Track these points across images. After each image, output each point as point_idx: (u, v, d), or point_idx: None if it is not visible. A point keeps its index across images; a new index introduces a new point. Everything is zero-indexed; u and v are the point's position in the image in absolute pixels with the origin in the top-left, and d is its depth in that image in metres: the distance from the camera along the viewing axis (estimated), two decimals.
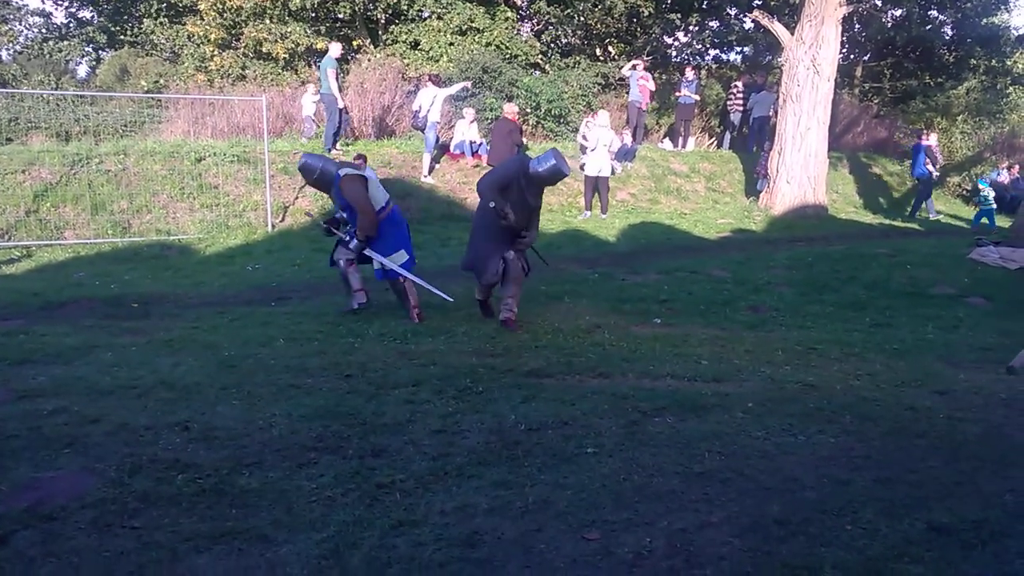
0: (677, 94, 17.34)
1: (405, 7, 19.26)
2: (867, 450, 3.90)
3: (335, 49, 13.77)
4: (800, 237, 12.03)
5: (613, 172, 13.55)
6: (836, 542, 2.98)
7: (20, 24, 23.12)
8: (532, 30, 21.91)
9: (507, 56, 18.54)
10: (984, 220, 14.85)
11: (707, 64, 25.10)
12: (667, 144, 17.53)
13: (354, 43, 20.11)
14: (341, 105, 13.21)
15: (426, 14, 19.79)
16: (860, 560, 2.85)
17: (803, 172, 14.06)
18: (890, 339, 6.59)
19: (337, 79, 13.25)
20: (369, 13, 20.01)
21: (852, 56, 24.42)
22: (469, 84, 15.20)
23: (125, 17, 22.07)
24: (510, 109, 13.76)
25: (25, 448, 3.75)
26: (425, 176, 13.38)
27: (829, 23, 13.56)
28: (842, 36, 15.10)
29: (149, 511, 3.15)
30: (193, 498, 3.26)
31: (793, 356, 5.82)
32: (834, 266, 9.40)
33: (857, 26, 22.95)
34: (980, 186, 15.64)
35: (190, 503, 3.22)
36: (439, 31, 18.95)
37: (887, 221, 15.18)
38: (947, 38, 23.34)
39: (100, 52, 25.48)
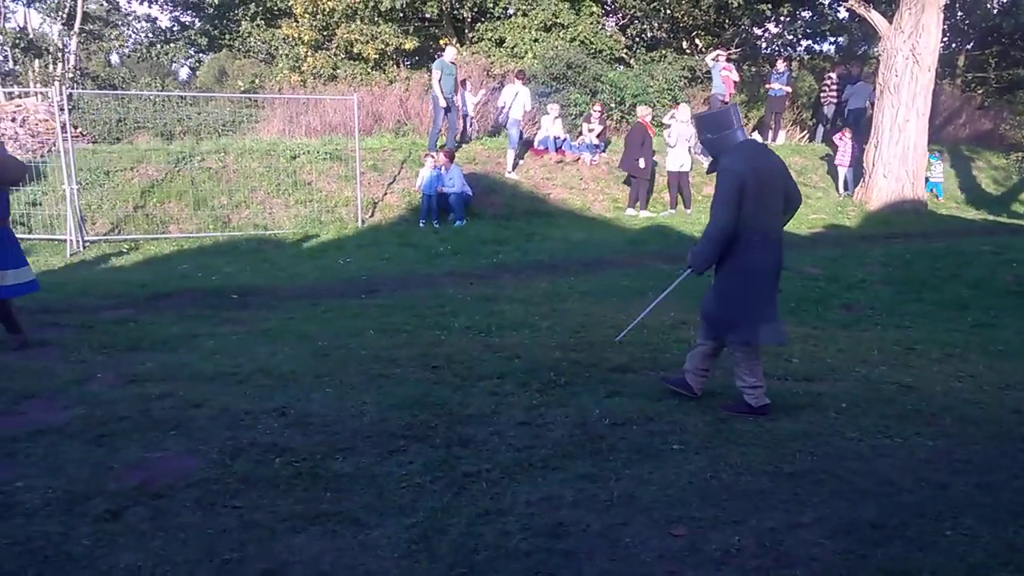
0: (767, 86, 16.90)
1: (491, 5, 19.38)
2: (968, 454, 3.75)
3: (449, 53, 13.47)
4: (897, 233, 11.56)
5: (693, 167, 13.30)
6: (935, 547, 2.88)
7: (128, 29, 24.42)
8: (617, 24, 21.69)
9: (592, 51, 18.42)
10: None
11: (799, 55, 24.33)
12: (756, 137, 17.12)
13: (441, 42, 20.37)
14: (443, 105, 13.05)
15: (511, 11, 19.86)
16: (961, 567, 2.75)
17: (901, 166, 13.50)
18: (994, 340, 6.28)
19: (441, 81, 12.87)
20: (455, 12, 20.22)
21: (954, 45, 23.25)
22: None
23: (224, 21, 23.01)
24: (644, 112, 13.42)
25: (135, 430, 3.99)
26: (509, 172, 13.46)
27: (930, 10, 12.97)
28: (944, 24, 14.41)
29: (249, 492, 3.30)
30: (290, 481, 3.41)
31: (890, 356, 5.62)
32: (934, 263, 9.00)
33: (960, 13, 21.85)
34: None
35: (287, 485, 3.37)
36: (524, 28, 18.99)
37: (991, 217, 14.41)
38: None
39: (200, 55, 26.65)
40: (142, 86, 20.60)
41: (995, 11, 21.85)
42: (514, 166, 13.59)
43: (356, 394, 4.54)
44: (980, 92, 22.47)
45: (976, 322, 6.93)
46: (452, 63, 13.22)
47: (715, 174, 4.22)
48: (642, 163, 12.62)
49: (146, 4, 23.12)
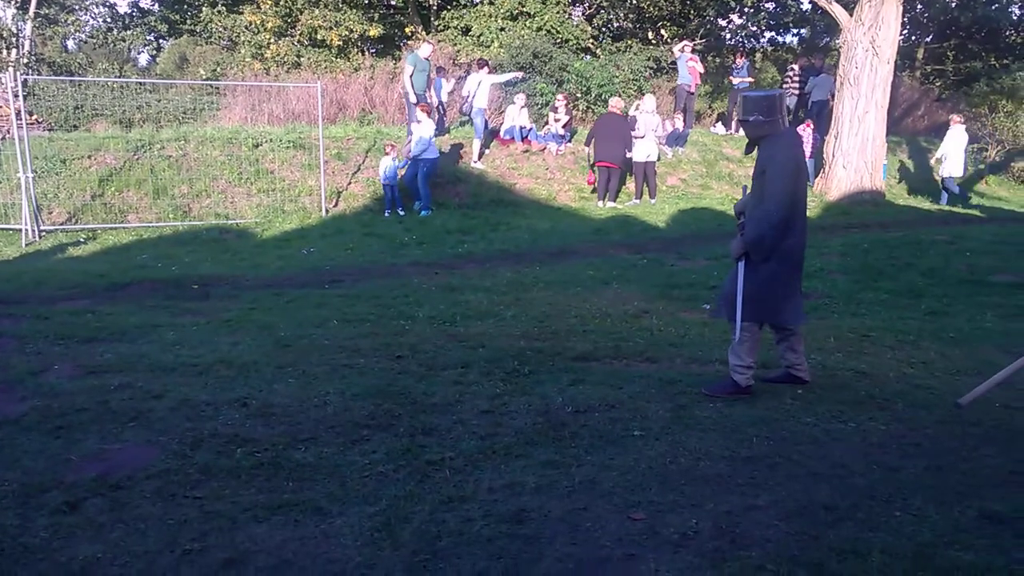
0: (731, 79, 17.06)
1: None
2: (919, 438, 3.86)
3: (424, 49, 13.17)
4: (855, 223, 11.77)
5: (659, 158, 13.40)
6: (884, 528, 2.97)
7: (86, 14, 23.84)
8: (584, 14, 21.74)
9: (558, 41, 18.46)
10: None
11: (762, 47, 24.62)
12: (719, 128, 17.29)
13: (407, 29, 20.26)
14: (413, 100, 12.63)
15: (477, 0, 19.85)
16: (909, 546, 2.83)
17: (860, 157, 13.73)
18: (946, 327, 6.44)
19: (412, 77, 12.56)
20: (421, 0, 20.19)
21: (913, 37, 23.68)
22: (520, 74, 15.07)
23: (184, 7, 22.59)
24: (616, 104, 13.25)
25: (93, 421, 3.95)
26: (475, 162, 13.44)
27: (889, 3, 13.18)
28: (903, 17, 14.65)
29: (210, 482, 3.29)
30: (252, 471, 3.40)
31: (845, 343, 5.75)
32: (890, 253, 9.19)
33: (919, 6, 22.24)
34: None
35: (249, 476, 3.36)
36: (490, 16, 18.96)
37: (946, 207, 14.74)
38: (1014, 18, 22.47)
39: (160, 41, 26.14)
40: (100, 72, 20.16)
41: (953, 4, 22.30)
42: (480, 156, 13.56)
43: (319, 384, 4.53)
44: (938, 84, 22.95)
45: (929, 310, 7.10)
46: (426, 59, 12.96)
47: (762, 159, 4.26)
48: (628, 154, 12.69)
49: None
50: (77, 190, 11.20)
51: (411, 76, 12.56)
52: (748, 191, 4.48)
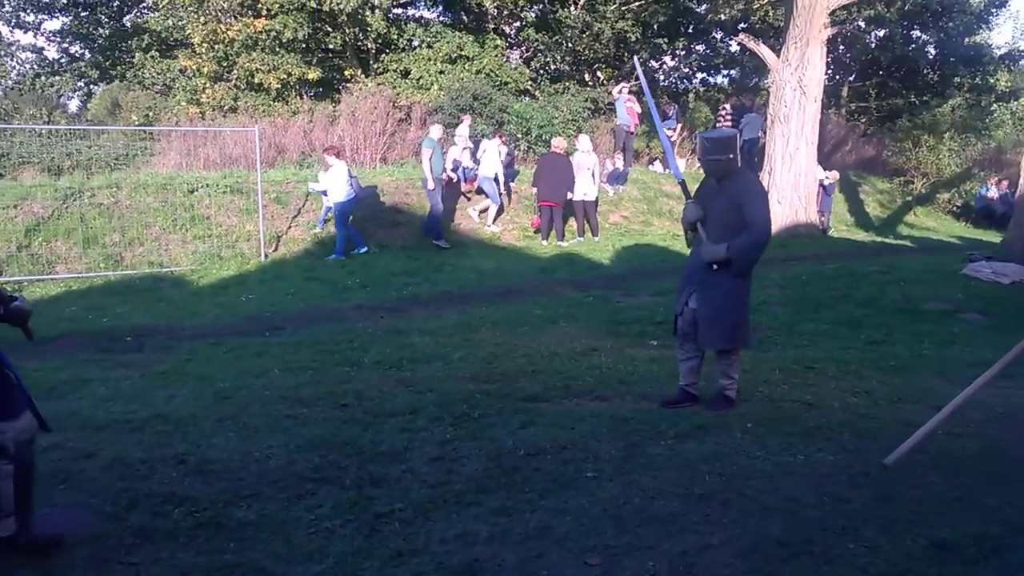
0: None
1: (395, 36, 19.43)
2: (866, 467, 3.90)
3: (435, 131, 12.63)
4: (793, 256, 12.07)
5: (598, 196, 13.55)
6: (839, 560, 2.97)
7: (12, 60, 23.25)
8: (521, 57, 22.12)
9: (497, 83, 18.69)
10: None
11: (695, 88, 25.34)
12: (658, 166, 17.64)
13: (346, 72, 20.25)
14: (431, 187, 12.10)
15: (416, 43, 19.97)
16: None
17: (793, 192, 14.14)
18: (886, 356, 6.59)
19: (432, 159, 11.96)
20: (359, 43, 20.18)
21: (837, 77, 24.68)
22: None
23: (116, 52, 22.21)
24: (559, 144, 13.27)
25: None
26: (489, 225, 13.56)
27: (814, 45, 13.72)
28: (827, 57, 15.26)
29: (146, 546, 3.12)
30: (191, 532, 3.24)
31: (790, 375, 5.82)
32: (828, 284, 9.42)
33: (842, 47, 23.22)
34: None
35: (187, 537, 3.20)
36: (429, 60, 19.11)
37: (878, 239, 15.26)
38: (930, 57, 23.63)
39: (91, 86, 25.60)
40: (27, 118, 19.63)
41: (873, 45, 23.36)
42: (495, 219, 13.66)
43: (261, 437, 4.37)
44: (863, 121, 23.89)
45: (869, 339, 7.27)
46: (439, 140, 12.60)
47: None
48: (569, 194, 12.79)
49: (31, 34, 22.08)
50: (2, 241, 10.77)
51: (430, 159, 12.06)
52: (694, 207, 4.81)
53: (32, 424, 3.09)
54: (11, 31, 21.58)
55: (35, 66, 22.84)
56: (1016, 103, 24.39)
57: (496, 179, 13.29)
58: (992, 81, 23.25)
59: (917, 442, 3.88)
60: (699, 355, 4.95)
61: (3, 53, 22.57)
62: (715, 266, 4.63)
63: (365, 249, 11.74)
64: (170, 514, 3.39)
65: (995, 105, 23.29)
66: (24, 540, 3.04)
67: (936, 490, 3.63)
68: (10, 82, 23.38)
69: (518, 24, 21.86)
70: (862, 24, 20.05)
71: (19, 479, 3.02)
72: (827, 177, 15.33)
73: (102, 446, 4.20)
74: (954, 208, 19.54)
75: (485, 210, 13.68)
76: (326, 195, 11.76)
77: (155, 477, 3.80)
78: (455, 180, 13.75)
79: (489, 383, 5.49)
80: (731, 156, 4.63)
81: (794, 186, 14.12)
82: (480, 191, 13.73)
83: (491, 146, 13.38)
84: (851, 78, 25.09)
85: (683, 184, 5.12)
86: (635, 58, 7.12)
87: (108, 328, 7.76)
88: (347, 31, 19.04)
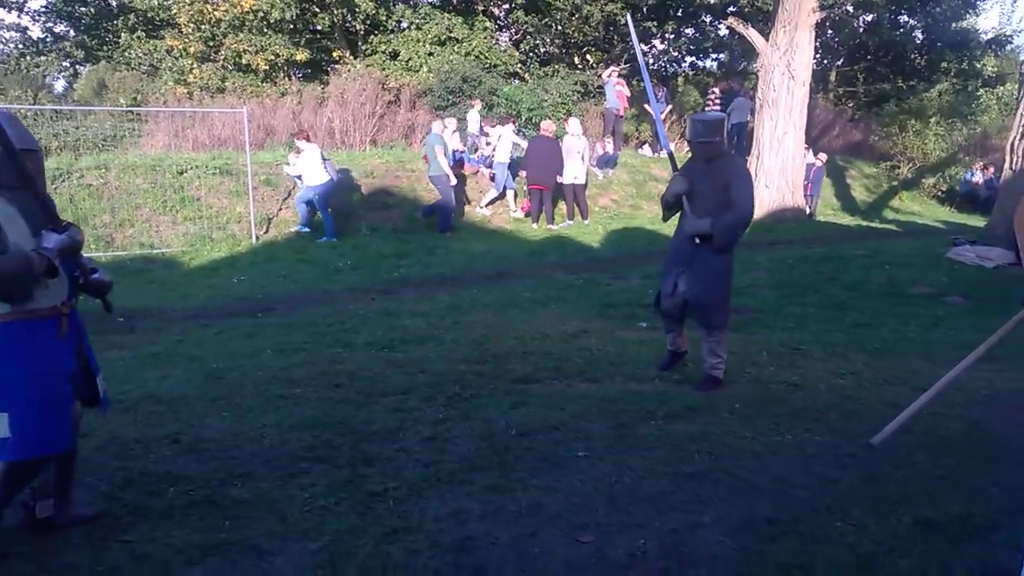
0: (646, 107, 17.43)
1: (384, 18, 19.26)
2: (853, 448, 3.97)
3: (439, 126, 12.69)
4: (780, 240, 12.14)
5: (587, 180, 13.54)
6: (826, 540, 3.03)
7: None
8: (511, 39, 21.99)
9: (486, 66, 18.58)
10: None
11: (684, 71, 25.28)
12: (647, 150, 17.65)
13: (334, 54, 20.08)
14: (453, 183, 12.19)
15: (404, 25, 19.81)
16: (851, 557, 2.90)
17: (781, 176, 14.21)
18: (872, 338, 6.67)
19: (446, 155, 12.05)
20: (348, 24, 19.99)
21: (826, 61, 24.68)
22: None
23: (102, 32, 21.89)
24: (548, 127, 13.23)
25: None
26: (481, 207, 13.54)
27: (802, 29, 13.74)
28: (816, 41, 15.29)
29: (141, 524, 3.14)
30: (185, 510, 3.26)
31: (777, 357, 5.89)
32: (814, 268, 9.50)
33: (830, 31, 23.20)
34: None
35: (182, 515, 3.22)
36: (418, 41, 18.97)
37: (864, 223, 15.36)
38: (918, 42, 23.65)
39: (77, 67, 25.25)
40: (12, 100, 19.39)
41: (861, 30, 23.36)
42: (490, 203, 13.62)
43: (254, 417, 4.40)
44: (851, 105, 23.94)
45: (855, 322, 7.35)
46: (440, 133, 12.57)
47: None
48: (559, 178, 12.78)
49: (14, 14, 21.72)
50: None
51: (444, 154, 12.12)
52: (681, 180, 4.90)
53: (78, 409, 3.09)
54: None
55: (19, 46, 22.48)
56: (1002, 88, 24.45)
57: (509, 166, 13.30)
58: (979, 66, 23.32)
59: (903, 423, 3.95)
60: (681, 324, 5.24)
61: None
62: (697, 240, 4.80)
63: (334, 239, 11.70)
64: (165, 493, 3.42)
65: (981, 90, 23.35)
66: (63, 521, 3.07)
67: (921, 470, 3.70)
68: None
69: (507, 6, 21.70)
70: (850, 8, 20.01)
71: (61, 462, 3.05)
72: (817, 160, 15.39)
73: (96, 426, 4.20)
74: (939, 193, 19.65)
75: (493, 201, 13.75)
76: (301, 180, 11.68)
77: (149, 456, 3.82)
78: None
79: (481, 364, 5.53)
80: (719, 139, 4.84)
81: (781, 170, 14.18)
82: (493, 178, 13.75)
83: (506, 132, 13.31)
84: (839, 62, 25.11)
85: (671, 156, 5.30)
86: (627, 16, 7.13)
87: (99, 309, 7.72)
88: (335, 12, 18.86)
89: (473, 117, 14.69)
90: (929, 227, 15.48)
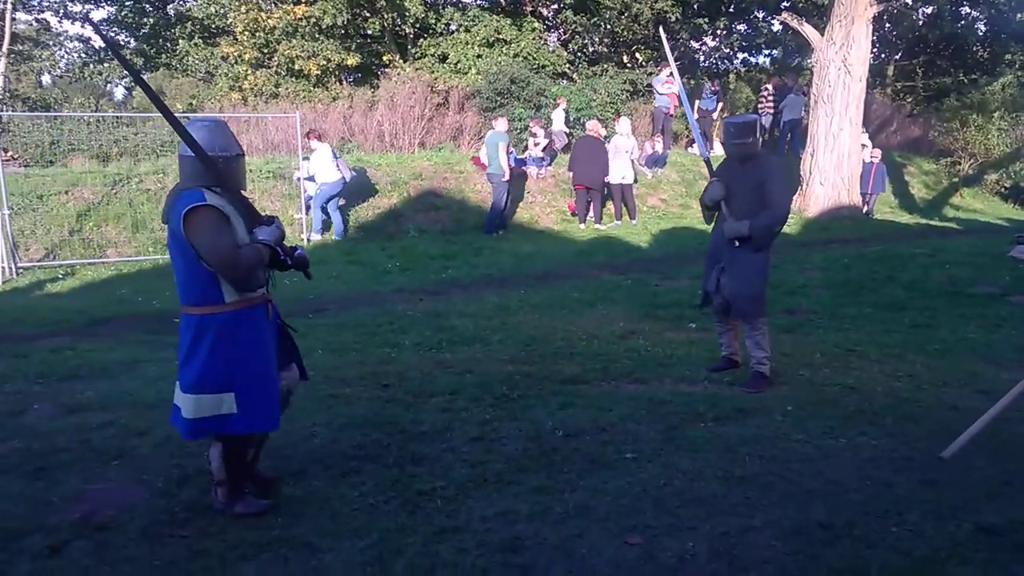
0: (698, 101, 17.22)
1: (433, 21, 19.43)
2: (910, 452, 3.86)
3: (503, 124, 12.62)
4: (835, 239, 11.88)
5: (636, 179, 13.45)
6: (882, 544, 2.95)
7: (60, 49, 23.76)
8: (559, 40, 21.93)
9: (535, 66, 18.57)
10: None
11: (735, 68, 24.93)
12: (696, 149, 17.45)
13: (384, 57, 20.32)
14: (507, 179, 12.12)
15: (453, 27, 19.95)
16: (907, 563, 2.82)
17: (836, 173, 13.90)
18: (930, 339, 6.48)
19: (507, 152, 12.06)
20: (397, 28, 20.22)
21: (883, 55, 24.08)
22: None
23: (160, 40, 22.55)
24: (594, 127, 13.20)
25: (75, 461, 3.85)
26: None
27: (859, 23, 13.42)
28: (873, 35, 14.90)
29: (197, 520, 3.22)
30: None
31: (832, 358, 5.76)
32: (871, 267, 9.27)
33: (888, 25, 22.64)
34: None
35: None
36: (467, 44, 19.07)
37: (923, 221, 14.92)
38: (980, 34, 22.95)
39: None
40: (75, 107, 20.05)
41: (921, 23, 22.74)
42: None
43: (305, 416, 4.47)
44: (909, 100, 23.31)
45: (913, 323, 7.15)
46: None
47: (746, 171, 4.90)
48: (607, 177, 12.73)
49: (78, 24, 22.54)
50: (54, 226, 11.08)
51: (507, 151, 12.16)
52: (718, 185, 5.00)
53: (295, 374, 3.52)
54: (59, 21, 22.01)
55: (82, 55, 23.29)
56: None
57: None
58: None
59: (976, 434, 3.80)
60: (735, 325, 5.29)
61: (52, 43, 23.04)
62: (737, 242, 4.90)
63: (319, 237, 11.90)
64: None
65: None
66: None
67: (983, 475, 3.58)
68: (59, 71, 23.89)
69: (556, 6, 21.67)
70: (909, 1, 19.52)
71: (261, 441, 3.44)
72: (874, 157, 15.00)
73: (153, 424, 4.33)
74: (1002, 189, 19.00)
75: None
76: (313, 180, 11.80)
77: (204, 455, 3.90)
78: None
79: (528, 365, 5.54)
80: (752, 139, 4.93)
81: (837, 167, 13.88)
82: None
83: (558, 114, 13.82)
84: (897, 56, 24.48)
85: (708, 162, 5.45)
86: (660, 29, 7.28)
87: (157, 310, 7.96)
88: (385, 16, 19.09)
89: (558, 115, 15.06)
90: (991, 224, 14.97)
